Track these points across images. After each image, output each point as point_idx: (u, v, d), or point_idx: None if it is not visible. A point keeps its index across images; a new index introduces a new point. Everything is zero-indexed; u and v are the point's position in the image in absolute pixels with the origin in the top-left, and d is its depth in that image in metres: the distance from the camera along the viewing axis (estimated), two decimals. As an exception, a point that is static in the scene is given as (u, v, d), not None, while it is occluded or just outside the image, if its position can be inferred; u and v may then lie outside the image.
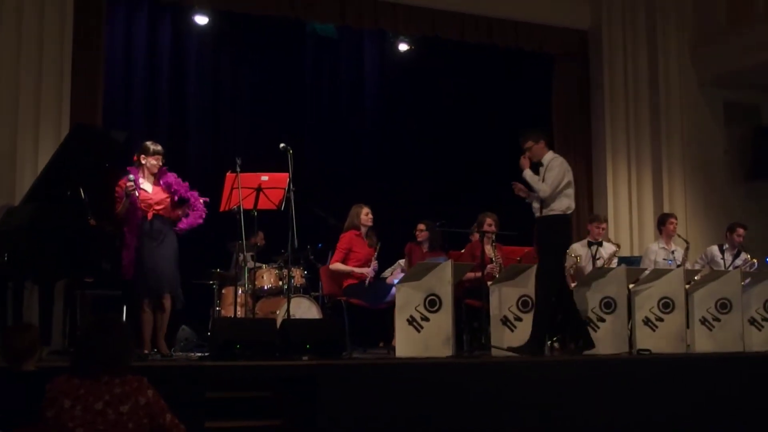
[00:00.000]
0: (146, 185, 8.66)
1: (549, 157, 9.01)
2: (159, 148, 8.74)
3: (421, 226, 10.61)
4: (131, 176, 8.48)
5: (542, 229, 8.95)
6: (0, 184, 9.88)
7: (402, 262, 10.89)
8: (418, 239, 10.60)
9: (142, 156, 8.67)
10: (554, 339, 10.09)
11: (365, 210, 10.18)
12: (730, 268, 11.05)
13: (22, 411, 4.89)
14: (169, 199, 8.77)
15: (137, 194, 8.50)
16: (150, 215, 8.59)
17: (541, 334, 8.86)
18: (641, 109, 13.65)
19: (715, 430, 8.41)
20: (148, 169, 8.67)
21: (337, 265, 10.03)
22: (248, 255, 10.10)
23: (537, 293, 8.92)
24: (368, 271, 9.89)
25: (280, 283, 10.23)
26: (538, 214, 8.94)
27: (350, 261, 10.02)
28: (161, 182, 8.76)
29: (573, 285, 9.94)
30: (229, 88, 12.87)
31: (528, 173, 8.91)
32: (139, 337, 8.41)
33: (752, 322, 10.24)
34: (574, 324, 9.03)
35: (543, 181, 8.86)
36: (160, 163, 8.72)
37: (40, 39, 10.27)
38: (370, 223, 10.19)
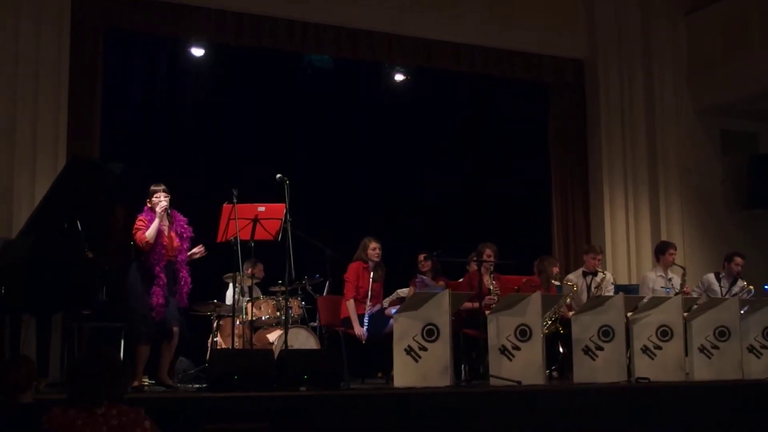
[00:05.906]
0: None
1: None
2: (161, 185, 8.75)
3: (422, 257, 10.67)
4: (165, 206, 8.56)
5: None
6: (-3, 217, 9.89)
7: (400, 291, 10.88)
8: (422, 269, 10.63)
9: (154, 197, 8.65)
10: (552, 368, 10.08)
11: (373, 245, 10.16)
12: (728, 296, 11.05)
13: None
14: (182, 246, 8.77)
15: (170, 221, 8.59)
16: (164, 261, 8.60)
17: None
18: (638, 137, 13.67)
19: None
20: (158, 207, 8.59)
21: (350, 305, 10.01)
22: (246, 286, 10.08)
23: None
24: (361, 333, 9.87)
25: (278, 313, 10.20)
26: None
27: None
28: (176, 228, 8.76)
29: (571, 314, 9.94)
30: (225, 118, 12.82)
31: None
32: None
33: (751, 349, 10.22)
34: None
35: None
36: (166, 199, 8.66)
37: (36, 72, 10.31)
38: (377, 258, 10.17)
